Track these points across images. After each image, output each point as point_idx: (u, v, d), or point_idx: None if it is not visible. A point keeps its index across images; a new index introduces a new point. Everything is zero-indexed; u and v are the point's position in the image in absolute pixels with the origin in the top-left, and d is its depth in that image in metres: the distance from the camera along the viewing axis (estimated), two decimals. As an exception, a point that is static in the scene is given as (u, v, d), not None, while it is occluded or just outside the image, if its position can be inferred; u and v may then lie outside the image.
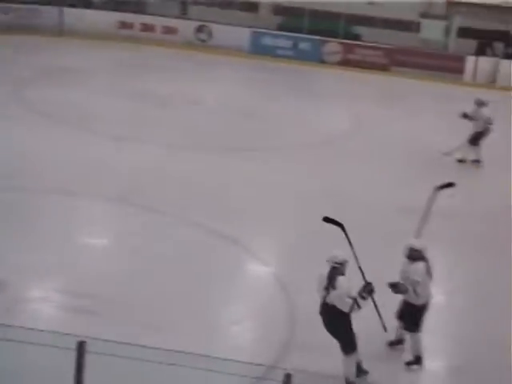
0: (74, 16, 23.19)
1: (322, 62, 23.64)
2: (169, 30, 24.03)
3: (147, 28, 24.03)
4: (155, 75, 19.56)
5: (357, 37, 24.49)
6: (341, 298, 6.56)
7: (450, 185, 8.04)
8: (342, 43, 23.68)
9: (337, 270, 6.64)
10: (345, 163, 13.58)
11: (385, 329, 7.17)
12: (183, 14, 25.42)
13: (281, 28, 24.95)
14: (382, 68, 23.29)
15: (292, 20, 24.86)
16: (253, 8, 25.25)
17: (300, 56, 23.53)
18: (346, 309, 6.55)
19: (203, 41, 24.08)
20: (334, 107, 18.43)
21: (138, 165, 12.26)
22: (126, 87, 17.64)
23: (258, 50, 23.78)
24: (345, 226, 6.89)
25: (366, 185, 12.39)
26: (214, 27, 23.93)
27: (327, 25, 24.04)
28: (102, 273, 8.49)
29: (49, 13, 22.94)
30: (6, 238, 8.94)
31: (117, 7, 24.31)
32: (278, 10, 24.99)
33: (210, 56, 22.92)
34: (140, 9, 25.19)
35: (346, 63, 23.50)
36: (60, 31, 22.88)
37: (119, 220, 10.28)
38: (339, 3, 23.22)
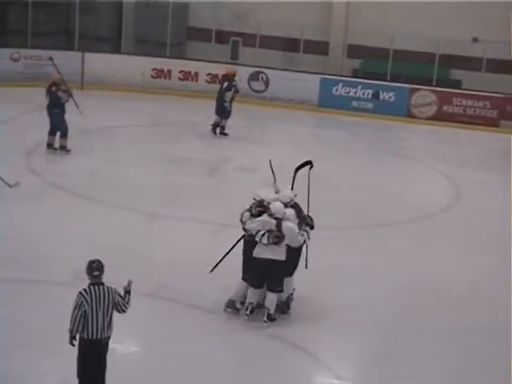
0: (98, 63, 23.93)
1: (411, 116, 23.74)
2: (215, 79, 24.50)
3: (188, 76, 24.61)
4: (198, 135, 19.88)
5: (455, 83, 24.57)
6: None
7: (307, 163, 11.09)
8: (436, 92, 23.79)
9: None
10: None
11: (306, 266, 10.45)
12: (233, 59, 25.93)
13: (357, 74, 25.24)
14: (490, 123, 23.23)
15: (371, 63, 25.12)
16: (322, 49, 25.63)
17: (382, 109, 23.69)
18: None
19: (258, 91, 24.47)
20: (428, 173, 18.49)
21: (177, 250, 12.43)
22: (161, 151, 17.94)
23: (329, 101, 24.03)
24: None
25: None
26: (272, 74, 24.33)
27: (417, 69, 24.24)
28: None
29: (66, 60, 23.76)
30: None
31: (150, 51, 24.99)
32: (354, 51, 25.29)
33: (267, 110, 23.22)
34: (178, 53, 25.84)
35: (441, 117, 23.55)
36: (80, 82, 23.61)
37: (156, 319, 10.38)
38: (432, 41, 23.36)
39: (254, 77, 24.48)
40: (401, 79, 24.15)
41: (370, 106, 23.98)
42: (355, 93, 24.08)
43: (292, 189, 10.78)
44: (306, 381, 9.44)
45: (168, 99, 23.25)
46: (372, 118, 23.30)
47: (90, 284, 7.85)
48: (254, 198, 10.43)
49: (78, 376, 7.96)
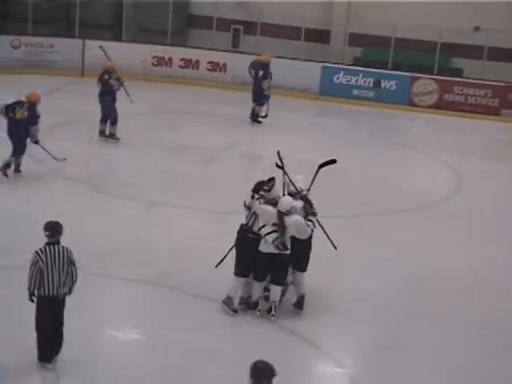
0: (98, 50, 23.80)
1: (412, 104, 23.72)
2: (216, 67, 24.48)
3: (189, 64, 24.56)
4: (199, 123, 19.85)
5: (457, 72, 24.52)
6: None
7: (332, 161, 10.96)
8: (437, 80, 23.75)
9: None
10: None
11: (335, 247, 10.55)
12: (234, 47, 25.87)
13: (359, 62, 25.19)
14: (491, 112, 23.21)
15: (373, 52, 25.07)
16: (323, 37, 25.59)
17: (383, 97, 23.65)
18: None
19: (259, 79, 24.38)
20: (429, 163, 18.50)
21: (178, 239, 12.44)
22: (162, 139, 17.91)
23: (330, 90, 23.99)
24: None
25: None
26: (273, 62, 24.21)
27: (418, 57, 24.20)
28: (136, 371, 8.68)
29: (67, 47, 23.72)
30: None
31: (151, 39, 24.91)
32: (355, 39, 25.23)
33: (268, 98, 23.22)
34: (179, 40, 25.77)
35: (442, 106, 23.52)
36: (80, 69, 23.58)
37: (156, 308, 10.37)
38: (434, 29, 23.31)
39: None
40: (402, 68, 24.08)
41: (371, 94, 23.92)
42: (356, 81, 24.01)
43: (311, 185, 10.63)
44: (309, 369, 9.43)
45: (169, 87, 23.21)
46: (373, 106, 23.25)
47: (46, 244, 8.37)
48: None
49: (37, 330, 8.49)
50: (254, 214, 10.04)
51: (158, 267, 11.26)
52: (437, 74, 23.89)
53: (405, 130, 21.83)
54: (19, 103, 14.43)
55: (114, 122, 17.30)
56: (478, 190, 16.14)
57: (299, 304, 10.35)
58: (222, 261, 10.39)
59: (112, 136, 17.32)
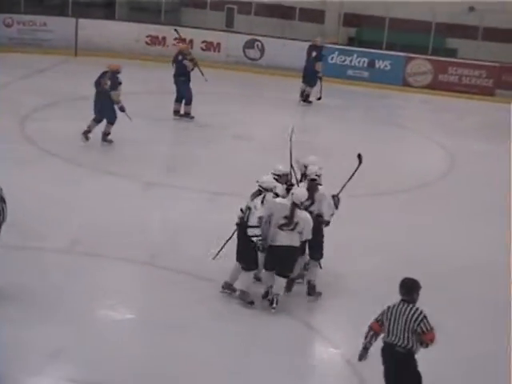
0: (92, 29, 23.68)
1: (407, 84, 23.62)
2: (210, 46, 24.32)
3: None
4: (193, 102, 19.73)
5: (451, 52, 24.43)
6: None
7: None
8: (431, 60, 23.65)
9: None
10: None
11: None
12: (228, 26, 25.73)
13: (353, 42, 25.06)
14: (485, 92, 23.13)
15: (367, 32, 24.97)
16: (317, 17, 25.45)
17: (378, 77, 23.56)
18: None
19: (254, 59, 24.28)
20: (423, 143, 18.47)
21: (174, 216, 12.37)
22: (158, 118, 17.81)
23: (324, 70, 23.81)
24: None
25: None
26: (268, 42, 24.14)
27: (413, 37, 24.10)
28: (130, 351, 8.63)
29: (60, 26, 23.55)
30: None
31: (144, 18, 24.73)
32: (350, 19, 25.12)
33: (263, 78, 23.07)
34: (173, 20, 25.60)
35: (437, 86, 23.44)
36: (73, 48, 23.42)
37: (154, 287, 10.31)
38: (429, 9, 23.19)
39: (249, 45, 24.29)
40: (396, 48, 23.98)
41: (365, 74, 23.84)
42: (351, 61, 23.94)
43: (343, 188, 10.83)
44: (303, 349, 9.47)
45: (163, 66, 22.99)
46: (367, 86, 23.18)
47: None
48: (273, 173, 10.20)
49: None
50: (249, 209, 9.79)
51: (153, 247, 11.19)
52: (431, 55, 23.84)
53: (399, 110, 21.81)
54: (102, 75, 15.36)
55: (188, 102, 17.83)
56: (473, 171, 16.09)
57: (308, 289, 10.23)
58: (218, 253, 10.28)
59: (187, 115, 17.84)
